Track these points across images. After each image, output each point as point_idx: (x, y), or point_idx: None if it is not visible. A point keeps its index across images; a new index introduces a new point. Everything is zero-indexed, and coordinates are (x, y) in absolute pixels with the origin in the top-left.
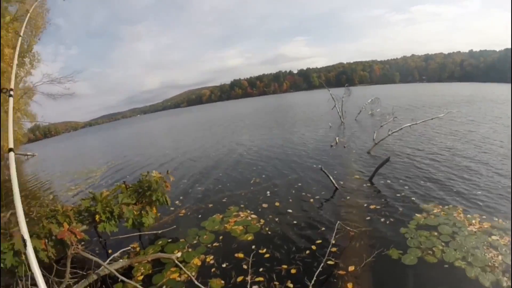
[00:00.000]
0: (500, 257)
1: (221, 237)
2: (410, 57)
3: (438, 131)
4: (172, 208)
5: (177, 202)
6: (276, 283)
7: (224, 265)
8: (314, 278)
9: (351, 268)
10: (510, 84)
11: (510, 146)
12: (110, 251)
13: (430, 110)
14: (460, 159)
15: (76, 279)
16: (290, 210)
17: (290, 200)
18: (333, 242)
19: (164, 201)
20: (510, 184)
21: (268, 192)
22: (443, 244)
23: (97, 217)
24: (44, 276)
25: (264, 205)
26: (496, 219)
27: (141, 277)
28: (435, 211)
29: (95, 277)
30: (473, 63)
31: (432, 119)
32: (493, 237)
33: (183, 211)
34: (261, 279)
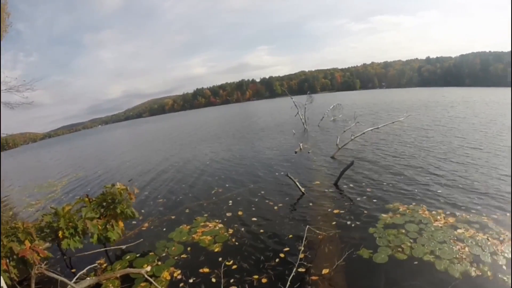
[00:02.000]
0: (467, 248)
1: (190, 248)
2: (370, 65)
3: (398, 134)
4: (134, 222)
5: (141, 215)
6: None
7: (195, 277)
8: (288, 283)
9: (324, 271)
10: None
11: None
12: (74, 270)
13: (391, 114)
14: (420, 159)
15: None
16: (255, 219)
17: (255, 209)
18: (303, 247)
19: (130, 214)
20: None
21: (230, 202)
22: (411, 240)
23: (60, 233)
24: None
25: (228, 214)
26: (460, 213)
27: None
28: (400, 210)
29: None
30: (430, 69)
31: (393, 122)
32: (459, 230)
33: (148, 223)
34: None
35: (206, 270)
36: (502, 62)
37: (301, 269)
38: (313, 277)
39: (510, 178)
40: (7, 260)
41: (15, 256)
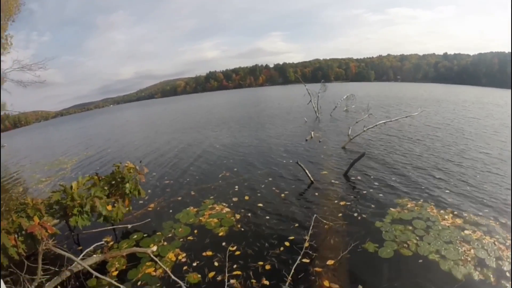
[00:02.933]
0: (472, 251)
1: (196, 231)
2: (386, 57)
3: (411, 129)
4: (141, 202)
5: (149, 195)
6: (254, 281)
7: (200, 259)
8: (292, 271)
9: (328, 262)
10: (510, 89)
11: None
12: (80, 247)
13: (405, 108)
14: (432, 156)
15: (48, 276)
16: (262, 204)
17: (262, 194)
18: (309, 236)
19: (137, 193)
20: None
21: (237, 186)
22: (417, 238)
23: (68, 210)
24: (15, 273)
25: (235, 199)
26: (468, 214)
27: (115, 273)
28: (408, 206)
29: (68, 273)
30: (447, 65)
31: (406, 117)
32: (466, 231)
33: (155, 204)
34: (238, 272)
35: (210, 253)
36: None
37: (306, 259)
38: (317, 267)
39: (511, 177)
40: (16, 235)
41: (23, 232)
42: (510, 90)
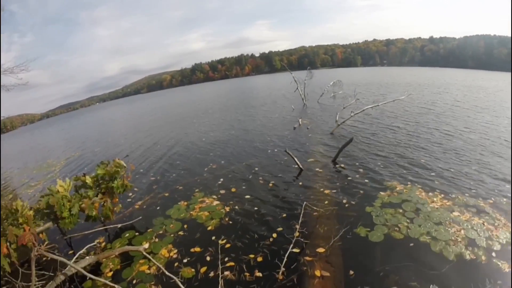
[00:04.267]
0: (462, 231)
1: (188, 225)
2: (372, 42)
3: (399, 113)
4: (129, 200)
5: (138, 192)
6: (247, 274)
7: (193, 254)
8: (285, 260)
9: (320, 249)
10: (510, 74)
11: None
12: (72, 251)
13: (391, 92)
14: (419, 139)
15: (43, 281)
16: (251, 195)
17: (252, 185)
18: (300, 224)
19: (123, 190)
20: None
21: (225, 178)
22: (408, 220)
23: (58, 213)
24: (9, 282)
25: (222, 191)
26: (456, 196)
27: (110, 273)
28: (398, 189)
29: (62, 277)
30: (433, 48)
31: (393, 101)
32: (455, 213)
33: (145, 201)
34: (232, 264)
35: (202, 247)
36: (507, 47)
37: (298, 247)
38: (309, 256)
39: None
40: (8, 244)
41: (12, 240)
42: (498, 72)
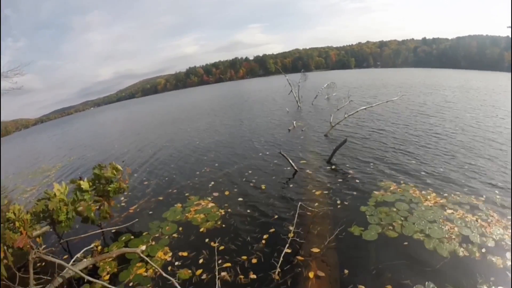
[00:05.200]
0: (456, 229)
1: (183, 228)
2: (365, 44)
3: (392, 114)
4: (124, 204)
5: (133, 196)
6: (241, 276)
7: (189, 256)
8: (281, 260)
9: (315, 249)
10: (511, 74)
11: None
12: (66, 256)
13: (385, 93)
14: (413, 139)
15: (41, 285)
16: (247, 197)
17: (246, 187)
18: (295, 224)
19: (121, 192)
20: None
21: (220, 180)
22: (402, 219)
23: (55, 217)
24: (8, 286)
25: (215, 194)
26: (449, 194)
27: (107, 277)
28: (391, 188)
29: (60, 280)
30: (426, 49)
31: (386, 101)
32: (448, 211)
33: (140, 204)
34: (228, 264)
35: (198, 249)
36: (499, 47)
37: (293, 247)
38: (304, 256)
39: (511, 174)
40: (5, 248)
41: (9, 244)
42: (490, 73)
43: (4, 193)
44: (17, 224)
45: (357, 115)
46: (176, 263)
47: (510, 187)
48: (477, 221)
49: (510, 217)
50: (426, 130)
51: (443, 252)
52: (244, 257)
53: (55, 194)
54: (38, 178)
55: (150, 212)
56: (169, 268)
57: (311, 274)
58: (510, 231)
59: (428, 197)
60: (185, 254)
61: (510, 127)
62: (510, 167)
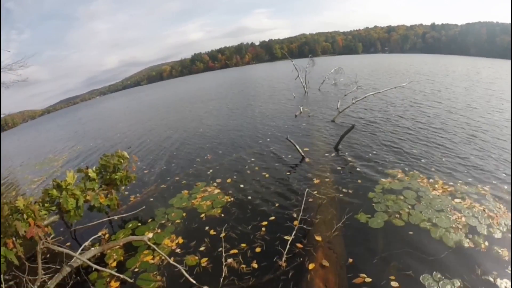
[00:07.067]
0: (463, 218)
1: (187, 214)
2: (373, 29)
3: (400, 100)
4: (129, 192)
5: (139, 184)
6: (243, 266)
7: (195, 243)
8: (287, 247)
9: (322, 236)
10: (510, 61)
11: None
12: (76, 244)
13: (393, 79)
14: (421, 126)
15: (50, 274)
16: (253, 183)
17: (253, 172)
18: (302, 211)
19: (128, 181)
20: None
21: (227, 167)
22: (409, 207)
23: (63, 206)
24: (17, 276)
25: (219, 180)
26: (457, 183)
27: (114, 264)
28: (399, 176)
29: (68, 269)
30: (435, 35)
31: (395, 87)
32: (456, 200)
33: (147, 192)
34: (235, 251)
35: (204, 236)
36: (509, 35)
37: (300, 233)
38: (310, 243)
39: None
40: (13, 238)
41: (21, 234)
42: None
43: (12, 185)
44: (25, 215)
45: (365, 101)
46: (183, 250)
47: (511, 184)
48: (484, 211)
49: None
50: (436, 118)
51: (449, 242)
52: (253, 244)
53: (68, 183)
54: (45, 168)
55: (157, 200)
56: (176, 255)
57: (317, 260)
58: (511, 228)
59: (436, 185)
60: (191, 241)
61: (510, 130)
62: (510, 163)
